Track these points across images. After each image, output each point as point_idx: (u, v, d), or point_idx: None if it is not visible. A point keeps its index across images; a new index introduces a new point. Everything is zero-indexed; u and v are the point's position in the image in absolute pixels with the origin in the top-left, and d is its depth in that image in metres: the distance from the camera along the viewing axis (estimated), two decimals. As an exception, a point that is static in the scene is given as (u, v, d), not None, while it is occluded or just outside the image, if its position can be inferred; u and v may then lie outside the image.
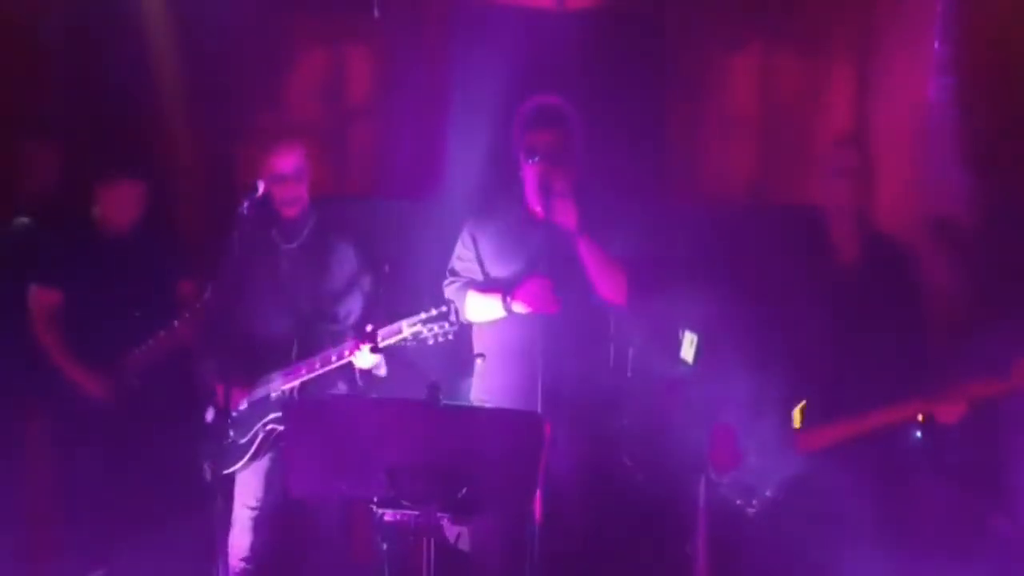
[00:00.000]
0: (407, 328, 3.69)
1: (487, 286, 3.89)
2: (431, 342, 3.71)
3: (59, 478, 4.41)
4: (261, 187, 3.95)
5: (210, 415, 4.06)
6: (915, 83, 4.85)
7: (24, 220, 4.61)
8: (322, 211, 4.25)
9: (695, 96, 5.54)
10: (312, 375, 3.96)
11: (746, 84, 5.47)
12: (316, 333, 4.05)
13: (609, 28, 5.41)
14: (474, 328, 3.98)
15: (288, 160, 4.09)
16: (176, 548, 4.40)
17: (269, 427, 4.00)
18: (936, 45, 4.78)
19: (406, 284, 4.14)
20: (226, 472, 4.03)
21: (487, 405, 3.82)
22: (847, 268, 3.69)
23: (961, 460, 4.06)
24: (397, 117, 5.55)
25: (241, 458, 4.03)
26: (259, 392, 4.05)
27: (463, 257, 3.97)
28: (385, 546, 3.97)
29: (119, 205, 4.36)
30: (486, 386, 3.90)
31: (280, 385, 4.00)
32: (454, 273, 3.98)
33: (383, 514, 3.04)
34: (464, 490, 2.93)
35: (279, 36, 5.49)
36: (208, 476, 4.01)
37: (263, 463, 4.08)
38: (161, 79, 5.18)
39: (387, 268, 4.53)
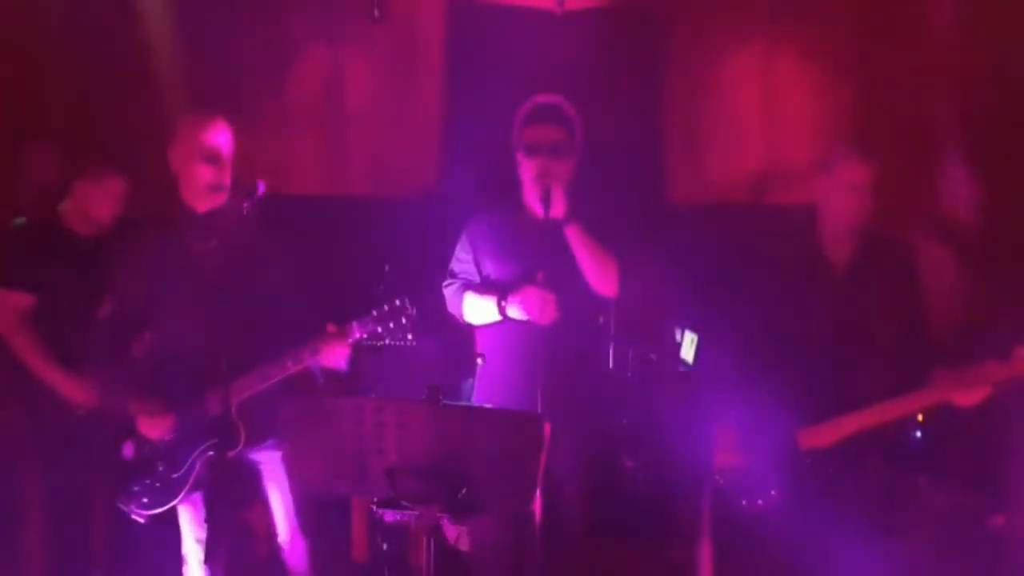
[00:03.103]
0: (357, 328, 3.52)
1: (484, 287, 3.88)
2: (388, 340, 3.51)
3: (49, 483, 4.26)
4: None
5: (128, 450, 3.59)
6: (915, 83, 4.85)
7: (24, 220, 4.60)
8: (241, 203, 3.51)
9: (695, 96, 5.54)
10: (263, 387, 3.50)
11: (746, 84, 5.47)
12: (247, 344, 3.44)
13: (609, 28, 5.42)
14: (476, 330, 3.98)
15: (224, 138, 3.50)
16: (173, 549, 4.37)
17: (209, 454, 3.50)
18: (936, 44, 4.78)
19: (406, 284, 4.13)
20: (161, 511, 3.57)
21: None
22: (844, 265, 3.68)
23: (961, 460, 4.06)
24: (397, 117, 5.56)
25: (178, 493, 3.54)
26: (191, 416, 3.53)
27: (462, 259, 3.96)
28: (385, 546, 3.99)
29: (101, 200, 4.25)
30: (487, 390, 3.90)
31: (216, 405, 3.46)
32: (453, 275, 3.98)
33: (383, 514, 3.04)
34: (464, 490, 2.93)
35: (279, 36, 5.49)
36: (141, 519, 3.58)
37: (202, 492, 3.58)
38: (160, 80, 5.18)
39: (387, 268, 4.53)
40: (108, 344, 3.68)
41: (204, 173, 3.51)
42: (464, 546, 4.12)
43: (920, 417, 3.87)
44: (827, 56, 5.35)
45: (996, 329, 3.62)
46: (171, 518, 3.65)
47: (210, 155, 3.49)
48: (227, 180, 3.53)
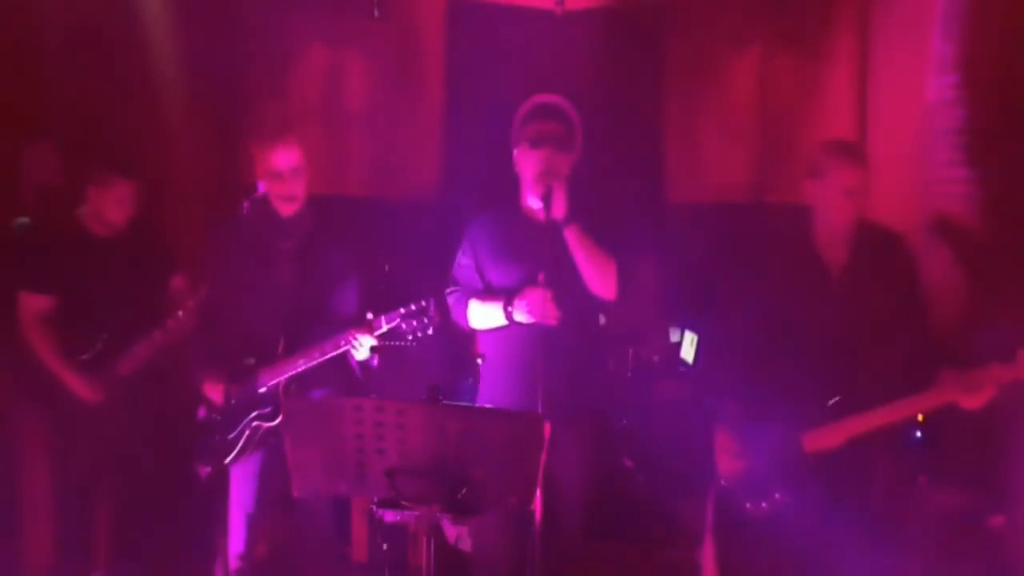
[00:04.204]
0: (386, 323, 3.83)
1: (488, 294, 3.89)
2: (411, 337, 3.80)
3: (54, 480, 4.36)
4: (262, 187, 3.97)
5: (201, 412, 4.06)
6: (915, 82, 4.85)
7: (24, 220, 4.61)
8: (319, 211, 4.13)
9: (695, 96, 5.54)
10: (305, 367, 3.92)
11: (746, 84, 5.47)
12: (303, 330, 3.97)
13: (609, 28, 5.42)
14: (478, 332, 3.98)
15: (286, 156, 3.99)
16: (176, 547, 4.41)
17: (255, 423, 3.96)
18: (936, 44, 4.78)
19: (406, 284, 4.13)
20: (215, 469, 4.01)
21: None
22: (841, 266, 3.68)
23: (961, 460, 4.06)
24: (397, 117, 5.56)
25: (228, 454, 3.99)
26: (246, 387, 4.00)
27: (463, 264, 3.96)
28: (385, 546, 3.99)
29: (113, 205, 4.31)
30: (489, 391, 3.90)
31: (267, 380, 3.96)
32: (455, 281, 3.98)
33: (383, 514, 3.04)
34: (464, 490, 2.93)
35: (279, 37, 5.49)
36: (202, 474, 4.01)
37: (255, 461, 4.03)
38: (161, 80, 5.18)
39: (387, 268, 4.54)
40: (202, 323, 4.17)
41: (273, 187, 4.00)
42: (464, 546, 4.12)
43: (920, 417, 3.86)
44: (827, 56, 5.35)
45: (998, 330, 3.61)
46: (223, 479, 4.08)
47: (275, 173, 3.97)
48: (298, 191, 4.00)
